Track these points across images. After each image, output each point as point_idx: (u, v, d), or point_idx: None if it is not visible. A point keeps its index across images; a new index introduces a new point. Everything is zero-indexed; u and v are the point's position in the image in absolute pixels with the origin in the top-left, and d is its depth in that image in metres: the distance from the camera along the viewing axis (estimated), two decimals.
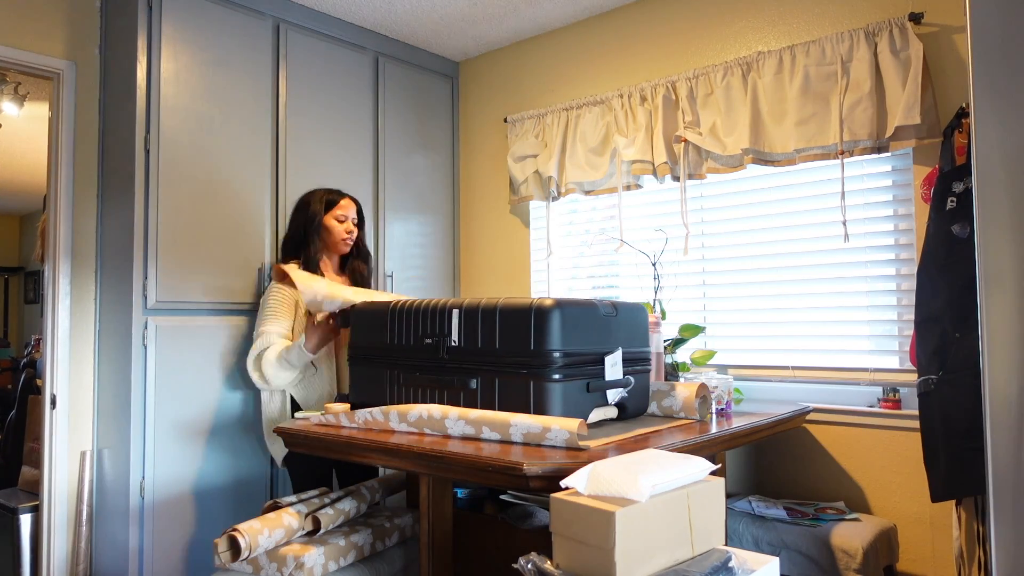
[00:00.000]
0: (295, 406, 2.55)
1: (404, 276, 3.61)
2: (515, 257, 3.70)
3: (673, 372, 2.53)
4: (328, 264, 2.68)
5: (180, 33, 2.81)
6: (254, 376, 2.47)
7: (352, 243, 2.68)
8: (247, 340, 2.93)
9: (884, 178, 2.64)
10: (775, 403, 2.56)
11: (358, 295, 2.32)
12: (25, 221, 8.84)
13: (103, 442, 2.79)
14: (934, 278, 2.23)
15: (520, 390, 1.76)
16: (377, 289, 2.84)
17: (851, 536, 2.21)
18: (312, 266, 2.56)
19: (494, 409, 1.80)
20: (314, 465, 2.45)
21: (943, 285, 2.19)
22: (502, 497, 2.23)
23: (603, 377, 1.85)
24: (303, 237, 2.60)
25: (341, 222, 2.63)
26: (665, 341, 2.48)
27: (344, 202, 2.66)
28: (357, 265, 2.73)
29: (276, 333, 2.49)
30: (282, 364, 2.42)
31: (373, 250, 3.48)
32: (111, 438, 2.74)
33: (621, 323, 1.94)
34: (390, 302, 2.12)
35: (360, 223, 2.71)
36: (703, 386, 2.04)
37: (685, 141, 2.94)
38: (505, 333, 1.80)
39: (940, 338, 2.19)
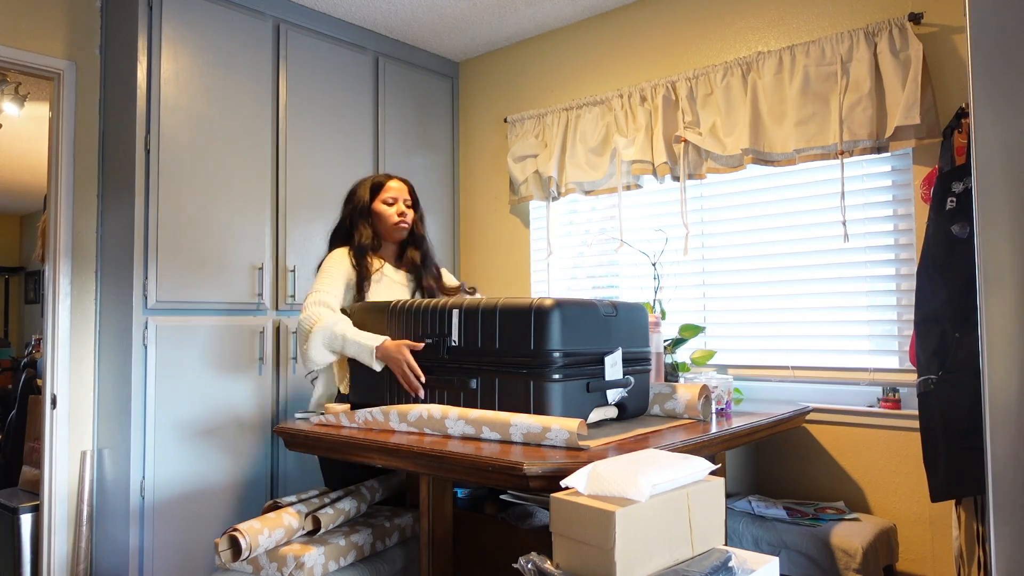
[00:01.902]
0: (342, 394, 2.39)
1: None
2: (515, 257, 3.70)
3: (673, 372, 2.52)
4: (386, 256, 2.46)
5: (180, 33, 2.81)
6: (303, 338, 2.21)
7: (407, 226, 2.43)
8: (247, 340, 2.93)
9: (884, 178, 2.64)
10: (775, 403, 2.56)
11: None
12: (25, 221, 8.84)
13: (103, 442, 2.79)
14: (934, 278, 2.23)
15: (520, 390, 1.76)
16: (442, 279, 2.53)
17: (851, 536, 2.21)
18: (362, 256, 2.34)
19: (495, 409, 1.80)
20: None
21: (943, 285, 2.19)
22: (502, 497, 2.23)
23: (603, 377, 1.85)
24: (350, 226, 2.40)
25: (390, 205, 2.40)
26: (665, 341, 2.48)
27: (392, 183, 2.43)
28: (410, 254, 2.48)
29: (331, 298, 2.24)
30: (330, 343, 2.15)
31: None
32: (111, 438, 2.74)
33: (621, 323, 1.94)
34: (389, 302, 2.11)
35: (414, 204, 2.48)
36: (705, 387, 2.04)
37: (685, 141, 2.94)
38: (505, 333, 1.80)
39: (940, 338, 2.19)
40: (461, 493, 2.32)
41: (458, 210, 3.94)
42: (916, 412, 2.38)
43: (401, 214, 2.41)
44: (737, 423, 2.02)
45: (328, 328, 2.15)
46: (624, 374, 1.92)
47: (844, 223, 2.60)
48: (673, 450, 1.62)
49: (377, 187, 2.42)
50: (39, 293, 8.31)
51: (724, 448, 1.95)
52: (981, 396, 1.30)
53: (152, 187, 2.71)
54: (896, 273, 2.61)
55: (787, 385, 2.80)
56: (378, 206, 2.41)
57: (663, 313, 2.67)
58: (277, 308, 3.06)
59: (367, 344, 2.08)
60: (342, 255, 2.35)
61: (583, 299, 1.87)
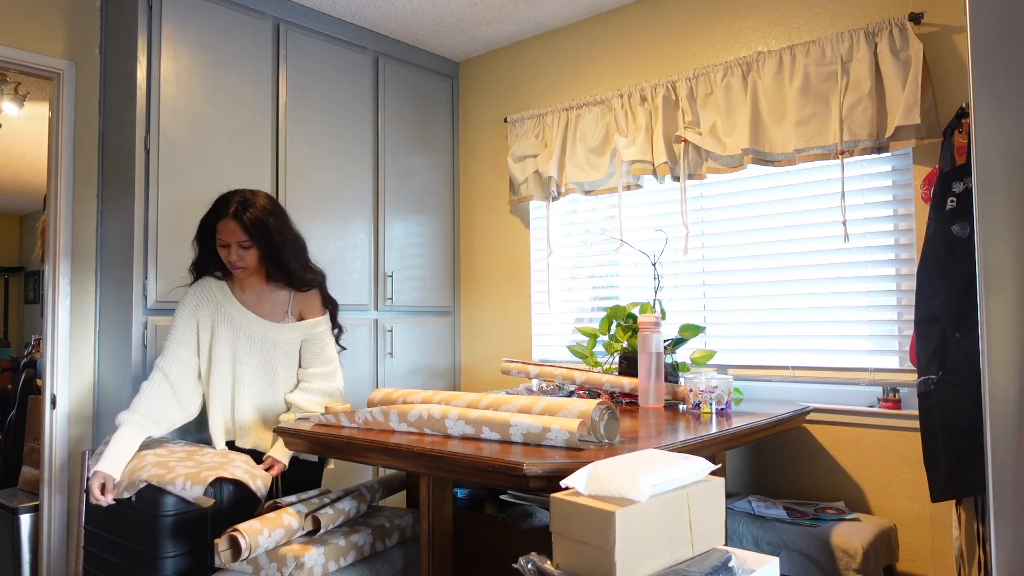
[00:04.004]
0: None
1: (404, 276, 3.61)
2: (515, 257, 3.70)
3: (673, 372, 2.53)
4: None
5: (180, 33, 2.81)
6: None
7: (244, 268, 2.27)
8: None
9: (884, 178, 2.64)
10: (775, 403, 2.56)
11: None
12: (25, 221, 8.84)
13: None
14: (934, 278, 2.23)
15: None
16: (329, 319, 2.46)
17: (851, 536, 2.21)
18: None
19: None
20: None
21: (943, 285, 2.19)
22: (502, 497, 2.23)
23: None
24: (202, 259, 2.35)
25: (225, 248, 2.25)
26: (665, 341, 2.48)
27: (223, 224, 2.23)
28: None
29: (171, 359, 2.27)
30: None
31: (371, 250, 3.48)
32: None
33: None
34: None
35: (256, 239, 2.23)
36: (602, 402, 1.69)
37: (685, 141, 2.94)
38: None
39: (940, 338, 2.19)
40: (461, 493, 2.32)
41: (458, 210, 3.94)
42: (916, 412, 2.38)
43: (232, 261, 2.27)
44: (737, 423, 2.02)
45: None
46: None
47: (844, 223, 2.60)
48: (673, 450, 1.62)
49: (206, 227, 2.31)
50: (39, 293, 8.32)
51: (724, 448, 1.95)
52: (981, 396, 1.30)
53: (152, 187, 2.71)
54: (896, 273, 2.61)
55: (787, 385, 2.80)
56: (217, 248, 2.30)
57: (663, 313, 2.67)
58: None
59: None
60: None
61: None
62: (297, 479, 2.33)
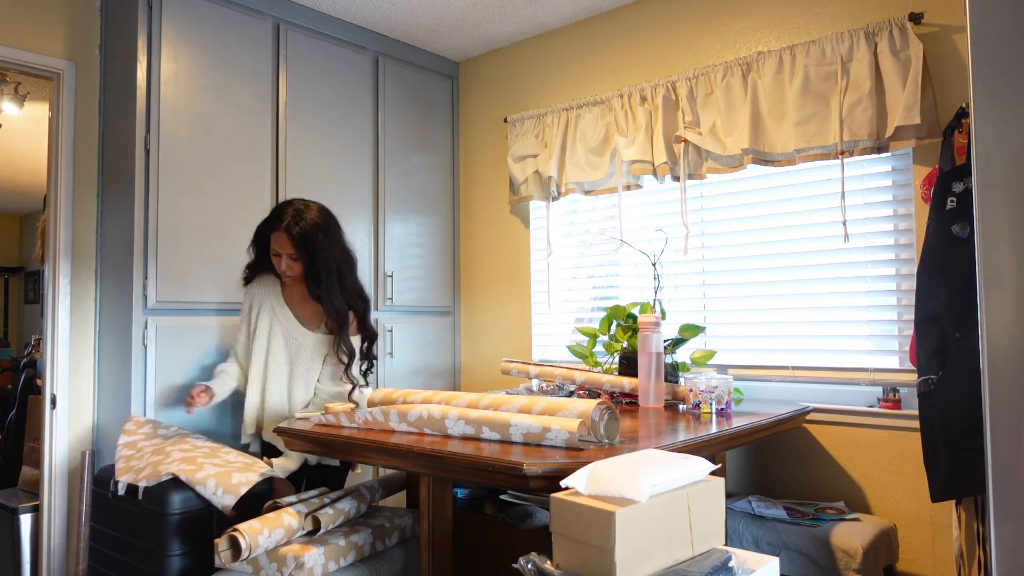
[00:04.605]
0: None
1: (403, 276, 3.61)
2: (515, 257, 3.70)
3: (673, 372, 2.53)
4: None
5: (180, 33, 2.81)
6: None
7: (294, 277, 2.41)
8: None
9: (884, 178, 2.64)
10: (775, 403, 2.56)
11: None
12: (25, 221, 8.84)
13: (103, 442, 2.78)
14: (934, 278, 2.23)
15: None
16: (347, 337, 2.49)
17: (851, 536, 2.21)
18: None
19: None
20: None
21: (943, 285, 2.20)
22: (502, 497, 2.23)
23: None
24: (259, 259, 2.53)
25: (276, 256, 2.39)
26: (665, 341, 2.48)
27: (276, 236, 2.35)
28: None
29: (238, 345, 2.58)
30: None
31: (371, 250, 3.48)
32: (111, 438, 2.74)
33: None
34: None
35: (302, 254, 2.33)
36: (602, 402, 1.70)
37: (685, 141, 2.94)
38: None
39: (940, 338, 2.19)
40: (461, 493, 2.32)
41: (458, 210, 3.94)
42: (916, 412, 2.38)
43: (283, 271, 2.41)
44: (737, 423, 2.02)
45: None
46: None
47: (844, 223, 2.60)
48: (673, 450, 1.62)
49: (262, 234, 2.48)
50: (39, 293, 8.31)
51: (724, 448, 1.95)
52: (981, 396, 1.30)
53: (152, 187, 2.71)
54: (896, 273, 2.61)
55: (787, 385, 2.80)
56: (271, 254, 2.45)
57: (663, 313, 2.67)
58: None
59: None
60: None
61: None
62: (321, 483, 2.38)
